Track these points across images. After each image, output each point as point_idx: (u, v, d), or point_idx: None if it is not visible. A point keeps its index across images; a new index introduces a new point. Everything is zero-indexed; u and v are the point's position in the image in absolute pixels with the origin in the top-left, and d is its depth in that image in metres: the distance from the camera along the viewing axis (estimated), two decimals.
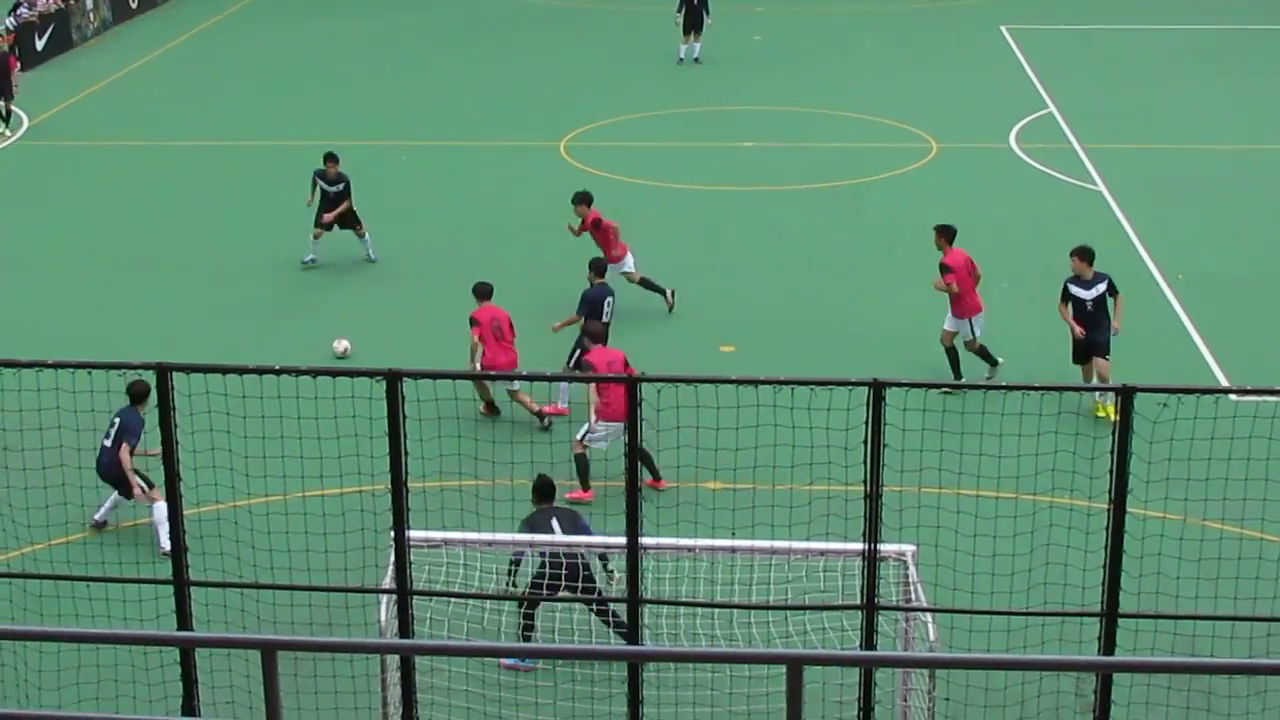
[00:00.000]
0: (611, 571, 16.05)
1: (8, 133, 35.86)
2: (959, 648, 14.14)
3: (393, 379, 12.22)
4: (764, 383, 12.66)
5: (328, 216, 26.45)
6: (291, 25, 48.46)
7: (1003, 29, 45.91)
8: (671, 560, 15.42)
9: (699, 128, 35.86)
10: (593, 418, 19.26)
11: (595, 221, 24.35)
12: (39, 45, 43.02)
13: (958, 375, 21.66)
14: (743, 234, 28.61)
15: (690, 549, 14.25)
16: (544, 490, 16.44)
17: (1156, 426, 13.57)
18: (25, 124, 36.85)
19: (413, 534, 13.01)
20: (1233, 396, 18.44)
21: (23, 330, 24.11)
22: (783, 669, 6.97)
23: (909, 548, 13.69)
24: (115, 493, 18.42)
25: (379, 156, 33.72)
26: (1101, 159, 32.59)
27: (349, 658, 14.68)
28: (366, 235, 26.86)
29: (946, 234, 22.03)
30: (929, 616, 13.34)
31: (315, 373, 12.49)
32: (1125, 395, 11.92)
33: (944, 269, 21.65)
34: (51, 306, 25.47)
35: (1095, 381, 20.69)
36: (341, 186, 26.56)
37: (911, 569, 13.58)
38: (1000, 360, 21.81)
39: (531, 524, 15.90)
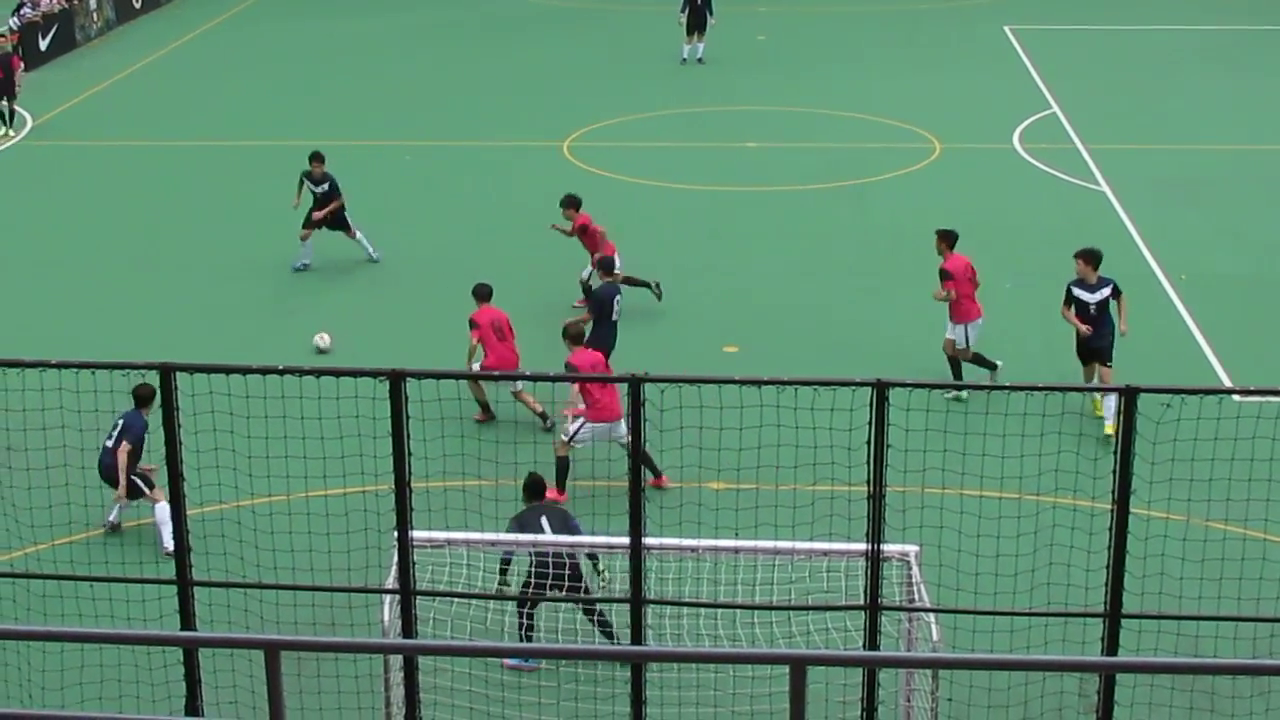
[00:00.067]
0: (602, 572, 16.02)
1: (11, 133, 35.89)
2: (962, 648, 14.14)
3: (396, 379, 12.22)
4: (767, 383, 12.66)
5: (317, 215, 26.39)
6: (294, 25, 48.49)
7: (1006, 29, 45.91)
8: (675, 560, 15.42)
9: (702, 128, 35.86)
10: (568, 417, 19.29)
11: (582, 228, 24.34)
12: (42, 45, 43.05)
13: (958, 378, 21.60)
14: (746, 234, 28.61)
15: (693, 549, 14.25)
16: (534, 489, 16.42)
17: (1159, 427, 13.56)
18: (29, 124, 36.87)
19: (416, 534, 13.01)
20: (1235, 397, 18.42)
21: (26, 330, 24.12)
22: (786, 669, 6.96)
23: (912, 548, 13.68)
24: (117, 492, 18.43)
25: (382, 156, 33.76)
26: (1105, 159, 32.58)
27: (352, 658, 14.68)
28: (359, 235, 26.75)
29: (948, 239, 21.95)
30: (932, 617, 13.34)
31: (319, 373, 12.49)
32: (1128, 395, 11.92)
33: (944, 275, 21.57)
34: (54, 306, 25.49)
35: (1101, 396, 20.59)
36: (327, 186, 26.42)
37: (915, 569, 13.57)
38: (998, 363, 21.76)
39: (521, 522, 15.88)
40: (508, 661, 15.77)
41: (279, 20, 49.36)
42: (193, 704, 13.19)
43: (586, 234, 24.29)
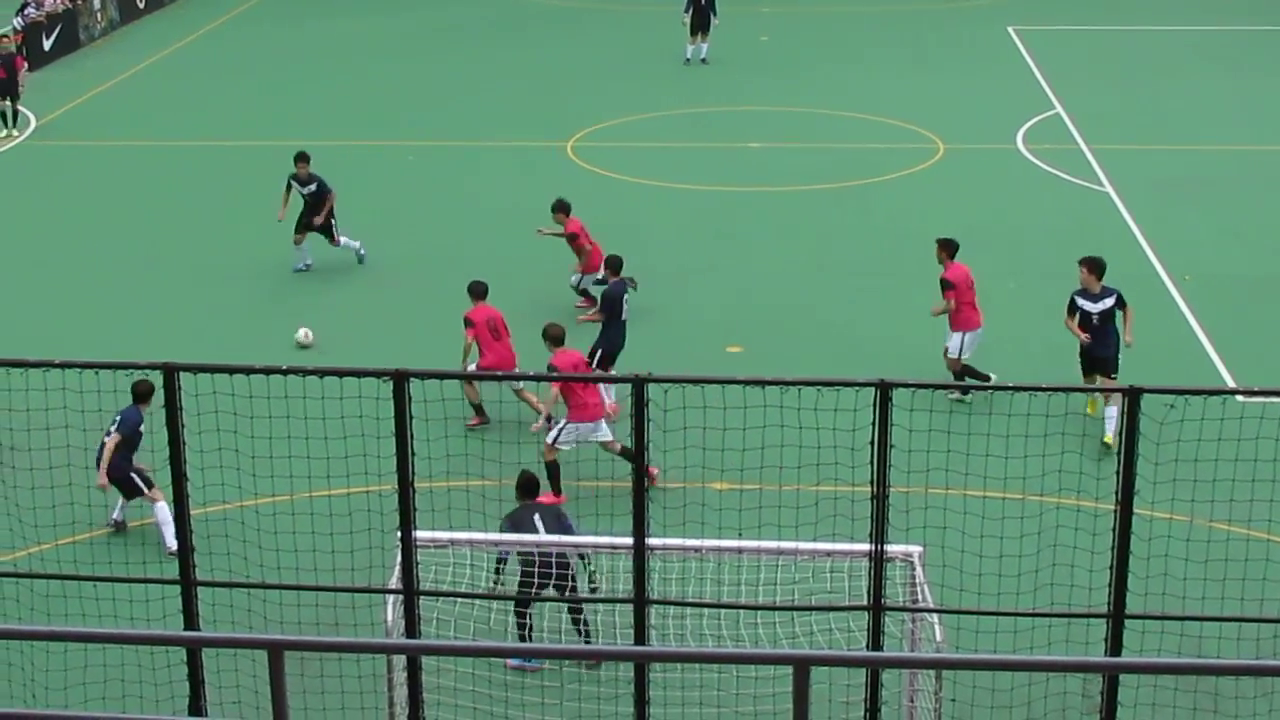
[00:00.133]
0: (592, 572, 16.00)
1: (15, 133, 35.91)
2: (965, 648, 14.14)
3: (400, 379, 12.22)
4: (771, 383, 12.66)
5: (318, 220, 26.26)
6: (298, 25, 48.51)
7: (1010, 29, 45.90)
8: (678, 561, 15.42)
9: (706, 128, 35.86)
10: (543, 417, 19.29)
11: (572, 235, 24.33)
12: (46, 45, 43.09)
13: (962, 391, 21.44)
14: (749, 235, 28.61)
15: (697, 549, 14.25)
16: (527, 487, 16.41)
17: (1163, 427, 13.55)
18: (32, 124, 36.90)
19: (419, 534, 13.01)
20: (1239, 397, 18.41)
21: (29, 330, 24.14)
22: (789, 670, 6.96)
23: (916, 548, 13.68)
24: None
25: (386, 157, 33.77)
26: (1108, 160, 32.57)
27: (356, 658, 14.69)
28: (342, 241, 26.59)
29: (949, 248, 21.78)
30: (935, 617, 13.34)
31: (322, 373, 12.49)
32: (1132, 396, 11.91)
33: (945, 284, 21.46)
34: (58, 306, 25.50)
35: (1099, 398, 20.54)
36: (315, 187, 26.26)
37: (918, 570, 13.57)
38: (991, 375, 21.55)
39: (514, 520, 15.88)
40: (510, 662, 15.77)
41: (282, 20, 49.39)
42: (196, 704, 13.19)
43: (576, 241, 24.29)
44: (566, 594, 15.42)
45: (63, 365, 12.86)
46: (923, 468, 13.55)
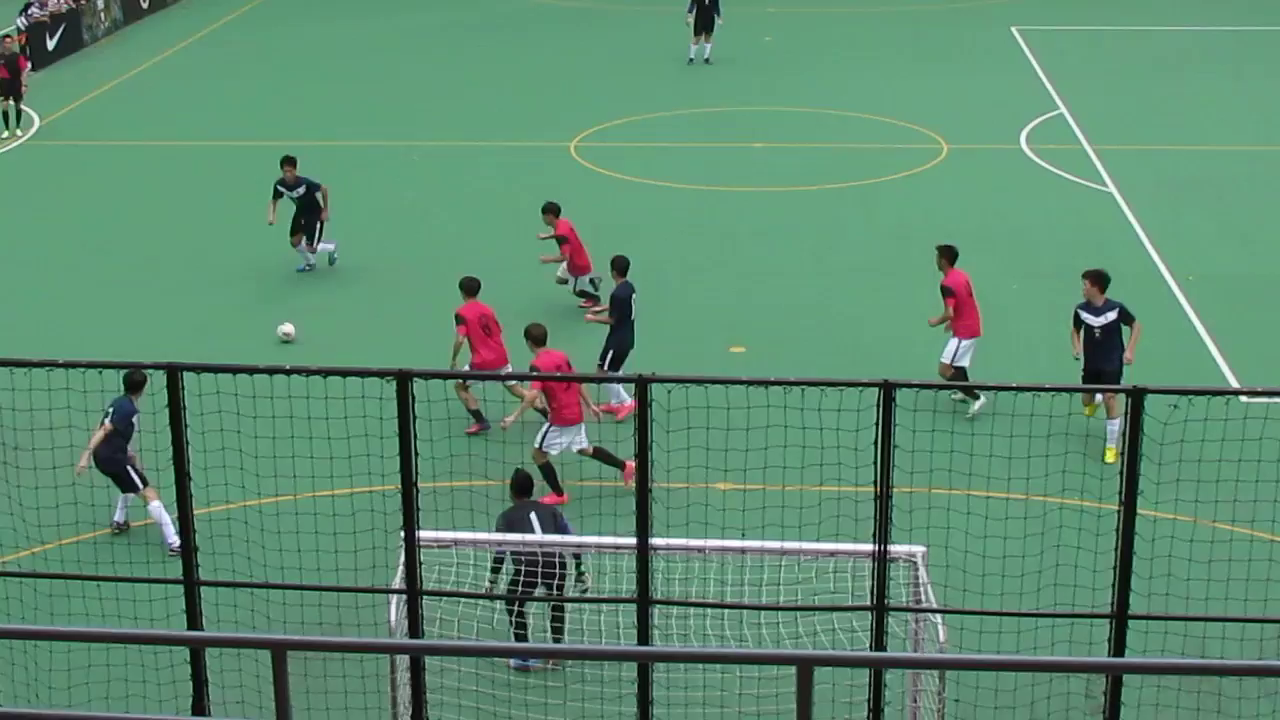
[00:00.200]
0: (583, 573, 15.98)
1: (19, 133, 35.93)
2: (969, 649, 14.13)
3: (403, 379, 12.22)
4: (774, 383, 12.66)
5: (324, 215, 26.24)
6: (301, 26, 48.52)
7: (1013, 30, 45.88)
8: (681, 561, 15.42)
9: (709, 128, 35.86)
10: (513, 417, 19.31)
11: (562, 238, 24.35)
12: (50, 45, 43.11)
13: (966, 392, 21.36)
14: (752, 235, 28.60)
15: (700, 550, 14.25)
16: (522, 486, 16.39)
17: (1166, 428, 13.55)
18: (36, 124, 36.92)
19: (423, 534, 13.01)
20: (1243, 398, 18.41)
21: (33, 330, 24.15)
22: (792, 670, 6.96)
23: (919, 549, 13.68)
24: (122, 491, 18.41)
25: (389, 157, 33.78)
26: (1112, 160, 32.56)
27: (359, 658, 14.69)
28: (320, 247, 26.56)
29: (949, 255, 21.61)
30: (939, 617, 13.33)
31: (326, 373, 12.49)
32: (1135, 396, 11.91)
33: (945, 291, 21.34)
34: (61, 306, 25.51)
35: (1101, 411, 20.24)
36: (304, 189, 26.20)
37: (921, 570, 13.57)
38: (981, 399, 21.19)
39: (509, 520, 15.87)
40: (511, 662, 15.77)
41: (285, 20, 49.39)
42: (199, 704, 13.19)
43: (566, 243, 24.30)
44: (556, 593, 15.43)
45: (66, 365, 12.87)
46: (926, 468, 13.56)
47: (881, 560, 12.43)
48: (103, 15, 46.83)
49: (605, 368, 21.15)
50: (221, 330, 24.33)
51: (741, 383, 12.89)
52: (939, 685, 13.57)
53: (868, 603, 12.77)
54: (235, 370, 12.70)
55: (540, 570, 14.97)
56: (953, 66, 41.81)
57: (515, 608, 15.50)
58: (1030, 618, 13.56)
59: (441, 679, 14.58)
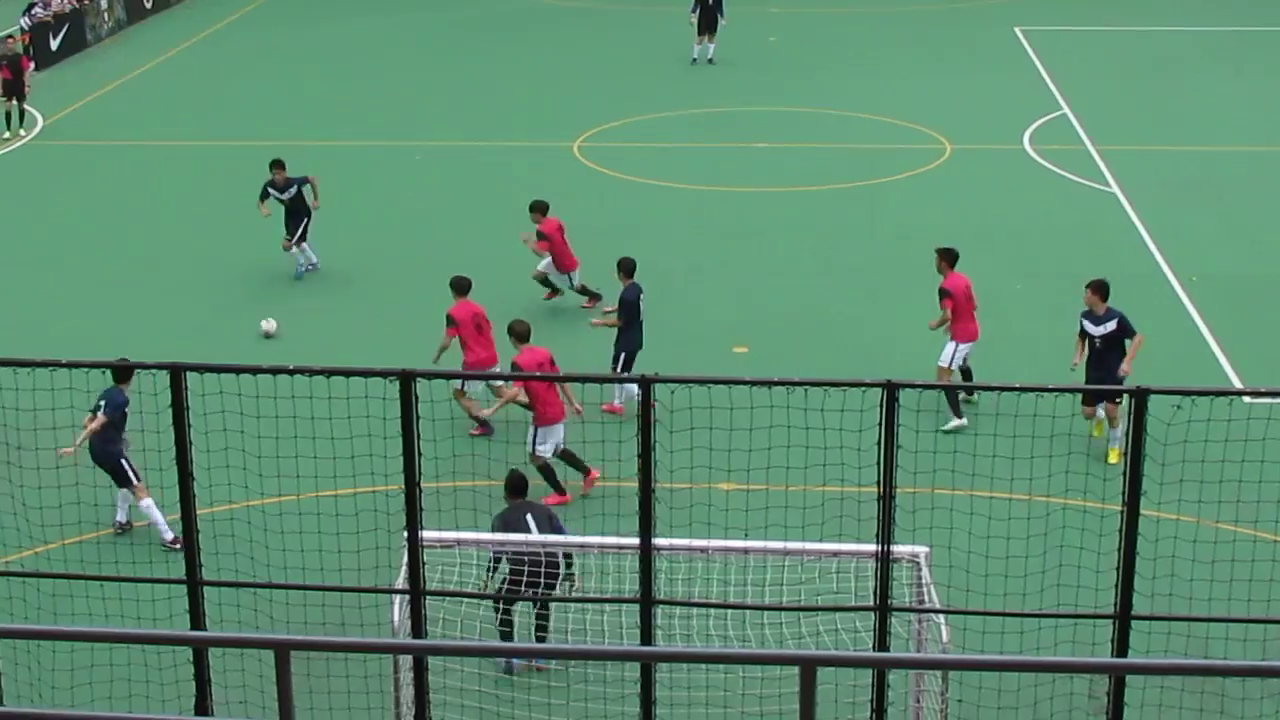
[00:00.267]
0: (573, 574, 15.97)
1: (22, 132, 35.94)
2: (972, 649, 14.13)
3: (406, 379, 12.22)
4: (777, 384, 12.65)
5: (314, 204, 26.19)
6: (304, 25, 48.53)
7: (1016, 30, 45.87)
8: (684, 561, 15.42)
9: (712, 129, 35.86)
10: (490, 409, 19.32)
11: (540, 233, 24.34)
12: (53, 45, 43.12)
13: (969, 393, 21.32)
14: (756, 235, 28.60)
15: (703, 550, 14.25)
16: (517, 487, 16.38)
17: (1170, 428, 13.54)
18: (39, 124, 36.94)
19: (426, 534, 13.01)
20: (1246, 398, 18.40)
21: (36, 330, 24.16)
22: (795, 670, 6.96)
23: (922, 549, 13.68)
24: (122, 490, 18.38)
25: (392, 157, 33.79)
26: (1115, 160, 32.55)
27: (362, 658, 14.69)
28: (304, 247, 26.48)
29: (948, 258, 21.51)
30: (942, 618, 13.33)
31: (329, 373, 12.48)
32: (1138, 397, 11.90)
33: (943, 293, 21.26)
34: (64, 306, 25.52)
35: (1103, 422, 19.99)
36: (294, 190, 26.14)
37: (924, 570, 13.57)
38: (964, 420, 20.80)
39: (506, 521, 15.86)
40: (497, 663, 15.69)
41: (289, 20, 49.40)
42: (202, 704, 13.19)
43: (553, 242, 24.29)
44: (551, 594, 15.43)
45: (70, 365, 12.87)
46: (929, 468, 13.56)
47: (884, 560, 12.42)
48: (106, 15, 46.85)
49: (619, 370, 21.12)
50: (224, 330, 24.33)
51: (744, 383, 12.89)
52: (942, 685, 13.57)
53: (871, 603, 12.77)
54: (238, 370, 12.70)
55: (535, 571, 14.96)
56: (956, 67, 41.81)
57: (501, 608, 15.50)
58: (1033, 618, 13.55)
59: (445, 679, 14.58)
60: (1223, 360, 22.83)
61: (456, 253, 27.38)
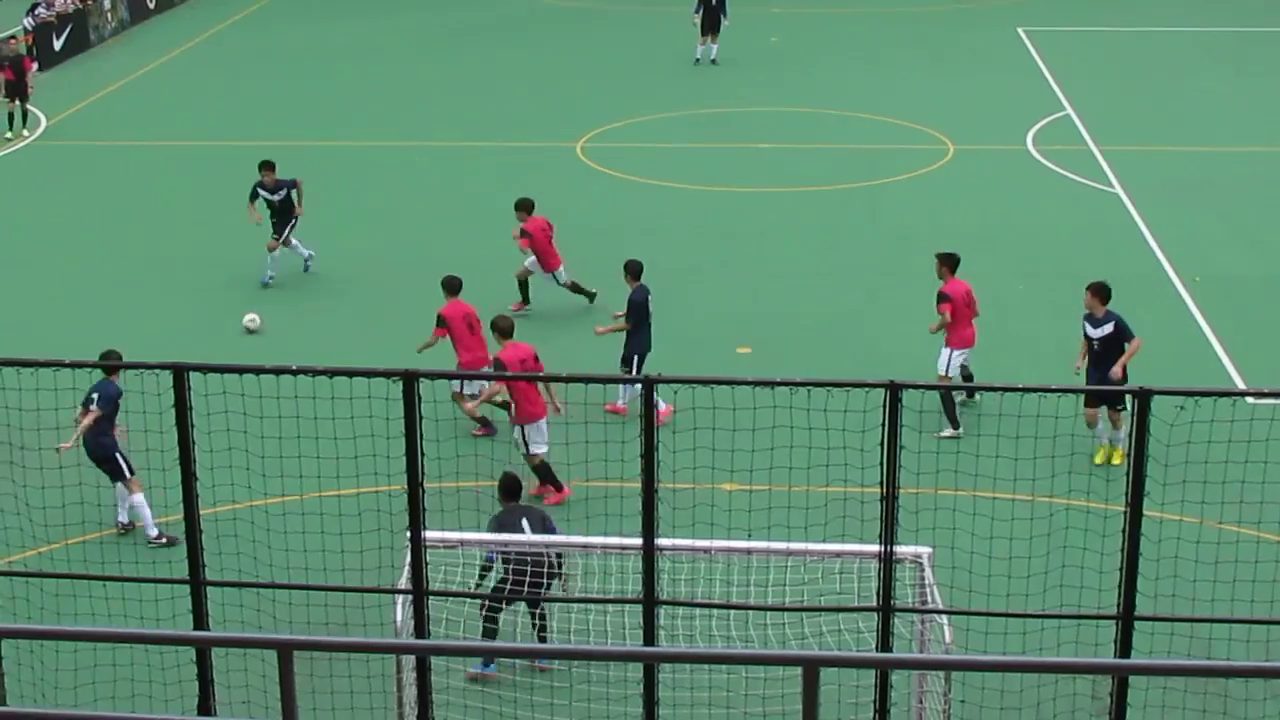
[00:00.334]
0: (565, 575, 15.96)
1: (25, 133, 35.96)
2: (974, 650, 14.12)
3: (409, 379, 12.23)
4: (780, 384, 12.66)
5: (298, 210, 26.14)
6: (307, 26, 48.54)
7: (1019, 31, 45.87)
8: (687, 561, 15.42)
9: (715, 129, 35.86)
10: (473, 404, 19.35)
11: (524, 231, 24.33)
12: (56, 45, 43.14)
13: (969, 394, 21.25)
14: (758, 235, 28.60)
15: (706, 550, 14.25)
16: (511, 489, 16.38)
17: (1173, 429, 13.54)
18: (42, 124, 36.96)
19: (429, 534, 13.02)
20: (1249, 399, 18.39)
21: (38, 330, 24.17)
22: (798, 670, 6.96)
23: (925, 550, 13.68)
24: (118, 486, 18.35)
25: (394, 157, 33.79)
26: (1118, 161, 32.55)
27: (365, 658, 14.69)
28: (293, 243, 26.42)
29: (949, 263, 21.37)
30: (945, 618, 13.33)
31: (332, 373, 12.50)
32: (1142, 397, 11.90)
33: (941, 297, 21.17)
34: (67, 306, 25.53)
35: (1102, 428, 19.85)
36: (284, 193, 26.08)
37: (927, 571, 13.56)
38: (959, 431, 20.56)
39: (501, 524, 15.86)
40: (470, 670, 15.63)
41: (291, 21, 49.42)
42: (205, 704, 13.20)
43: (536, 240, 24.29)
44: (551, 595, 15.43)
45: (72, 365, 12.89)
46: (932, 469, 13.56)
47: (887, 561, 12.43)
48: (109, 16, 46.87)
49: (632, 373, 21.09)
50: (226, 330, 24.33)
51: (748, 383, 12.89)
52: (945, 686, 13.57)
53: (874, 603, 12.78)
54: (241, 370, 12.71)
55: (530, 573, 14.96)
56: (958, 67, 41.81)
57: (487, 608, 15.50)
58: (1036, 619, 13.55)
59: (448, 679, 14.59)
60: (1226, 361, 22.82)
61: (458, 253, 27.37)
